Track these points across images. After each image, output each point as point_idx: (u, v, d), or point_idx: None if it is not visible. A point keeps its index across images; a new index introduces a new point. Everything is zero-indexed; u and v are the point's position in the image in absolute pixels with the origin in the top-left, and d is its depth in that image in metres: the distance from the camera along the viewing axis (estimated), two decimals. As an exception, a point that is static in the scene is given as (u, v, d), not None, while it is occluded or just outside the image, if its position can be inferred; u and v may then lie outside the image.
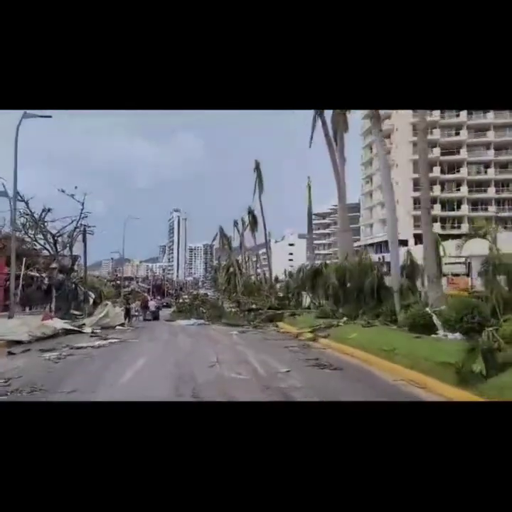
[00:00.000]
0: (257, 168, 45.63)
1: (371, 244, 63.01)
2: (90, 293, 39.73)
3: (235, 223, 57.24)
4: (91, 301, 38.51)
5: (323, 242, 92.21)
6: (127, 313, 29.59)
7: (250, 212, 51.26)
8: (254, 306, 34.14)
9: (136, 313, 35.37)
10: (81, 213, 30.08)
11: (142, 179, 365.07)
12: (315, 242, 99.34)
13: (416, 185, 61.31)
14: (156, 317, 35.36)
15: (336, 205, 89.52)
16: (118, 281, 72.87)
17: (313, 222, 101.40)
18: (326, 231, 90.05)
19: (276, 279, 51.03)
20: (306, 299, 33.57)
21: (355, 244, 72.36)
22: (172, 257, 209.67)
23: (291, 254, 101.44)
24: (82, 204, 29.87)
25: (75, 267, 34.12)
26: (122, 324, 26.40)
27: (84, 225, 31.16)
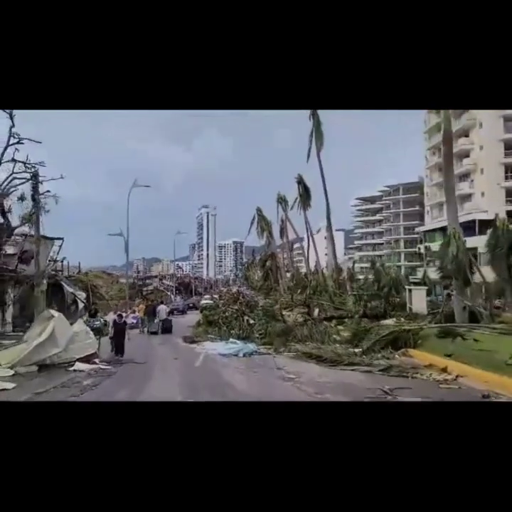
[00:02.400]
0: (314, 114, 30.99)
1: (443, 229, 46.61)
2: (80, 293, 26.32)
3: (279, 200, 42.52)
4: (80, 305, 25.15)
5: (372, 230, 76.56)
6: (116, 337, 13.38)
7: (300, 182, 36.48)
8: (328, 313, 19.68)
9: (134, 323, 22.15)
10: (10, 138, 15.04)
11: (171, 180, 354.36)
12: (360, 231, 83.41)
13: (509, 148, 45.61)
14: (167, 328, 21.94)
15: (388, 187, 74.28)
16: (141, 281, 59.84)
17: (359, 208, 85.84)
18: (377, 217, 74.21)
19: (341, 272, 36.32)
20: (413, 299, 19.07)
21: (420, 228, 56.97)
22: (201, 255, 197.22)
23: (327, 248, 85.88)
24: (11, 119, 14.75)
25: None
26: (91, 358, 12.07)
27: (25, 164, 15.90)
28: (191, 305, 43.98)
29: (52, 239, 23.18)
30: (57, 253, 24.77)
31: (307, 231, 39.26)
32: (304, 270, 50.37)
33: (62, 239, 24.16)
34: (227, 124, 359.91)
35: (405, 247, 69.21)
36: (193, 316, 30.49)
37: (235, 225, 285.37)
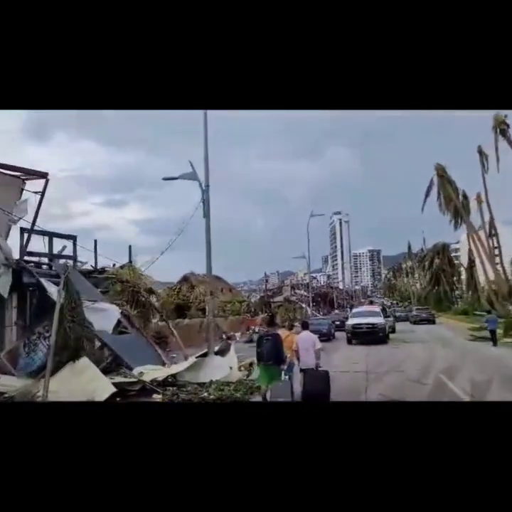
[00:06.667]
0: None
1: None
2: (105, 306, 11.37)
3: (498, 126, 22.39)
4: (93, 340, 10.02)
5: None
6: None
7: None
8: None
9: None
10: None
11: (301, 193, 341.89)
12: None
13: None
14: (320, 392, 6.05)
15: None
16: (268, 293, 45.04)
17: None
18: None
19: None
20: None
21: None
22: (336, 265, 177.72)
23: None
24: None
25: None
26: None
27: None
28: (338, 322, 26.50)
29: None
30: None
31: None
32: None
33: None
34: (348, 133, 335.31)
35: None
36: (347, 350, 13.69)
37: (368, 233, 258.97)
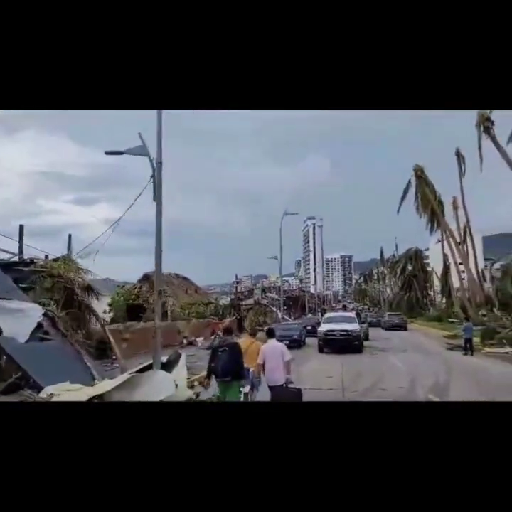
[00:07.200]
0: None
1: None
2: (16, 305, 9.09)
3: (481, 123, 20.77)
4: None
5: None
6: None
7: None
8: None
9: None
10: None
11: (278, 198, 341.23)
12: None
13: None
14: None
15: None
16: (238, 296, 43.00)
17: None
18: None
19: None
20: None
21: None
22: (308, 269, 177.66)
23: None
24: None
25: None
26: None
27: None
28: (309, 328, 24.75)
29: None
30: None
31: None
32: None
33: None
34: (324, 139, 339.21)
35: None
36: (318, 360, 12.10)
37: (341, 238, 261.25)
